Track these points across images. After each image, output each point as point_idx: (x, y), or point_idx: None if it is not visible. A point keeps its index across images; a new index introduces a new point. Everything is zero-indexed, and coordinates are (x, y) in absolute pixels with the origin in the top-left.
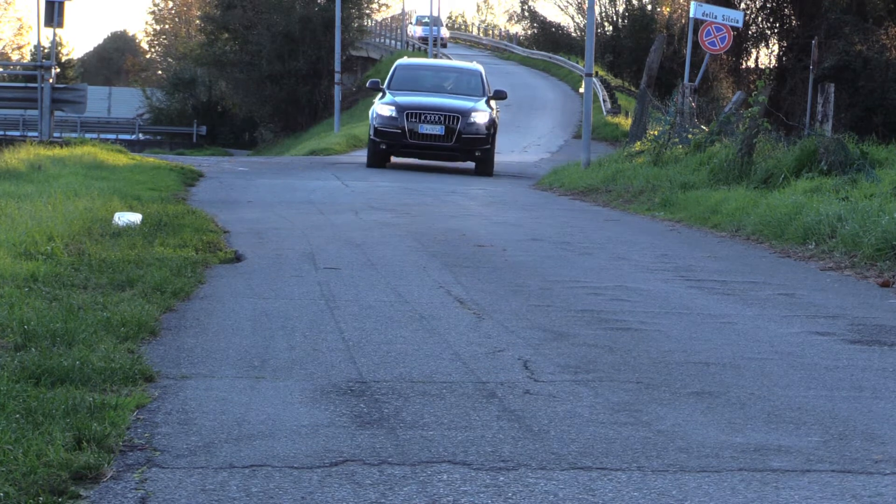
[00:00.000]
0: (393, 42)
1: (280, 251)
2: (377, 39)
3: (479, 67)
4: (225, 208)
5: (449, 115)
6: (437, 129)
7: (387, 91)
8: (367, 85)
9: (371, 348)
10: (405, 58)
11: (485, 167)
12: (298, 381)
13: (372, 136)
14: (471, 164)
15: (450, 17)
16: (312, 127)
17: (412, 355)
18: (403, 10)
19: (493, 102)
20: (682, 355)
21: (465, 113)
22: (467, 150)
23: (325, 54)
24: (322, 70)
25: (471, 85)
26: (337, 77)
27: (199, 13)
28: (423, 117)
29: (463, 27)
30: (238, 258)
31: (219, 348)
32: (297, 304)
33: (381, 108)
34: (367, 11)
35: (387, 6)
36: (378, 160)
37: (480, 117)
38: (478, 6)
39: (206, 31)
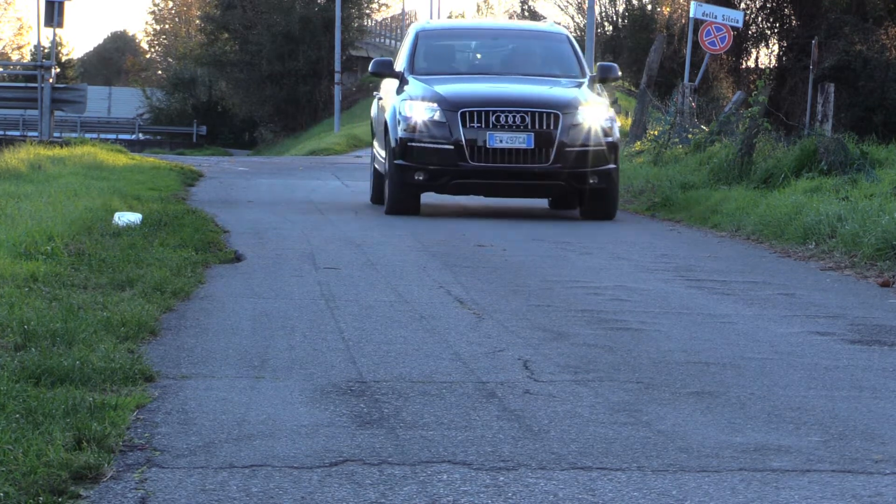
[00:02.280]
0: (393, 42)
1: (280, 251)
2: (377, 39)
3: (563, 30)
4: (225, 208)
5: (538, 114)
6: (521, 140)
7: (410, 77)
8: (371, 69)
9: (371, 348)
10: (428, 20)
11: (604, 205)
12: (298, 381)
13: (394, 159)
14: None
15: (450, 17)
16: (312, 127)
17: (412, 355)
18: (403, 10)
19: (599, 87)
20: (682, 355)
21: (566, 107)
22: (575, 174)
23: (325, 54)
24: (322, 70)
25: (556, 59)
26: (337, 77)
27: (199, 13)
28: (493, 120)
29: None
30: (238, 258)
31: (219, 348)
32: (297, 304)
33: (411, 107)
34: (367, 11)
35: (387, 6)
36: (407, 201)
37: (592, 115)
38: (478, 6)
39: (206, 31)
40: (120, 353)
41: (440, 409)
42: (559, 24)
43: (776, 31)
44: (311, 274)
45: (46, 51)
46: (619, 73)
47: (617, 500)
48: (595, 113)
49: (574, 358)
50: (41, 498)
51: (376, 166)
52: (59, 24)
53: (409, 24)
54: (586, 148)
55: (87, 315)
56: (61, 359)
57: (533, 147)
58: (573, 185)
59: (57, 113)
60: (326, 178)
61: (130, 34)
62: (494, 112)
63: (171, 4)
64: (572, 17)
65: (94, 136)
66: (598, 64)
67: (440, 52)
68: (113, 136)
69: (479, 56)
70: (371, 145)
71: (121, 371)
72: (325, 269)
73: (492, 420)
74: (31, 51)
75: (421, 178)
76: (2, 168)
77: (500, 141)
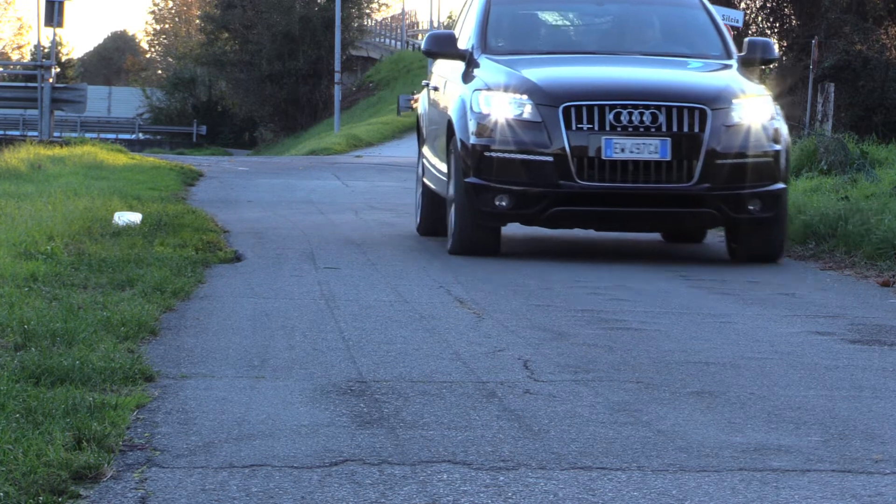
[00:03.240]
0: (393, 42)
1: (280, 251)
2: (377, 39)
3: None
4: (225, 208)
5: (678, 111)
6: (651, 149)
7: (482, 58)
8: (425, 46)
9: (371, 348)
10: None
11: (767, 242)
12: (298, 380)
13: (465, 176)
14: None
15: (450, 17)
16: (312, 127)
17: (412, 355)
18: (403, 10)
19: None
20: (682, 355)
21: (717, 100)
22: (729, 198)
23: (325, 54)
24: (322, 70)
25: (685, 31)
26: (337, 77)
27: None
28: (611, 119)
29: None
30: (238, 258)
31: (219, 348)
32: (297, 304)
33: (488, 100)
34: (367, 11)
35: (387, 6)
36: (482, 236)
37: (753, 111)
38: None
39: (206, 31)
40: (120, 353)
41: (440, 409)
42: None
43: (776, 30)
44: (311, 274)
45: (46, 51)
46: (777, 54)
47: (617, 500)
48: (757, 109)
49: (574, 358)
50: (41, 498)
51: (428, 182)
52: (59, 24)
53: (409, 24)
54: (745, 159)
55: (87, 315)
56: (61, 359)
57: (669, 158)
58: (727, 213)
59: (57, 113)
60: (327, 178)
61: (130, 34)
62: (613, 108)
63: (171, 4)
64: None
65: (94, 135)
66: (748, 40)
67: (523, 24)
68: (113, 136)
69: (576, 28)
70: (420, 154)
71: (121, 371)
72: (325, 268)
73: (492, 420)
74: (31, 51)
75: (504, 203)
76: (2, 168)
77: (622, 150)
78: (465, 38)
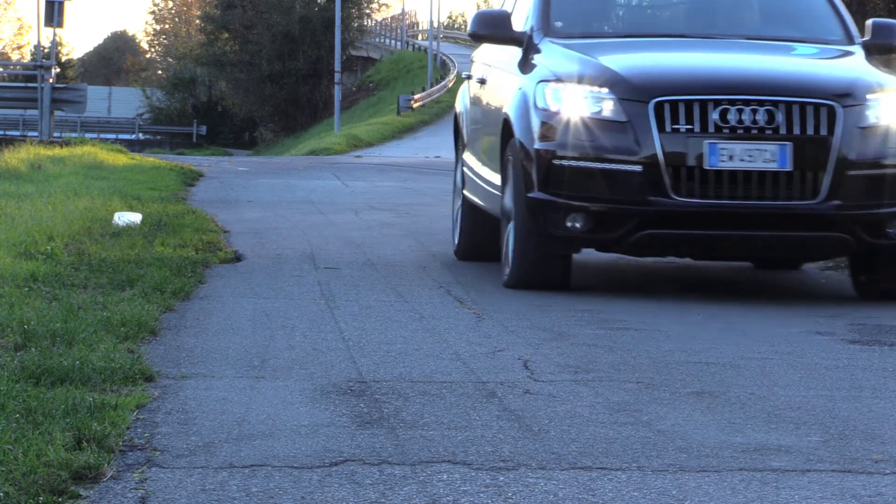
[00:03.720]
0: (393, 42)
1: (280, 251)
2: (377, 39)
3: None
4: (225, 208)
5: (799, 108)
6: (767, 156)
7: (545, 42)
8: (472, 27)
9: (371, 348)
10: None
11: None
12: (298, 380)
13: (528, 190)
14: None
15: (450, 17)
16: (312, 127)
17: (412, 355)
18: (403, 10)
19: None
20: (682, 355)
21: (848, 95)
22: (865, 220)
23: (325, 54)
24: (322, 70)
25: (794, 10)
26: (337, 77)
27: (199, 13)
28: (715, 118)
29: (463, 27)
30: (238, 258)
31: (219, 348)
32: (297, 304)
33: (557, 93)
34: (367, 11)
35: (387, 6)
36: (549, 266)
37: (891, 109)
38: (478, 6)
39: (206, 31)
40: (120, 353)
41: (440, 409)
42: None
43: None
44: (311, 274)
45: (46, 51)
46: None
47: (617, 500)
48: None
49: (574, 358)
50: (41, 498)
51: (471, 195)
52: (59, 24)
53: (409, 24)
54: (883, 170)
55: (87, 315)
56: (61, 359)
57: (790, 169)
58: (862, 238)
59: (57, 113)
60: (327, 178)
61: (130, 34)
62: (718, 104)
63: (171, 4)
64: None
65: (94, 135)
66: (871, 22)
67: (593, 1)
68: (113, 136)
69: (658, 6)
70: (458, 160)
71: (121, 371)
72: (325, 269)
73: (492, 420)
74: (31, 51)
75: (578, 224)
76: (2, 168)
77: (730, 157)
78: (522, 20)
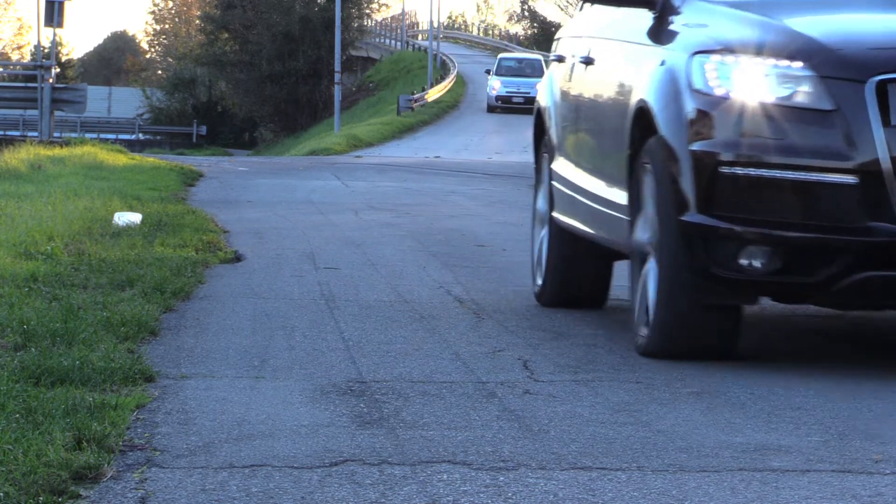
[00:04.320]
0: (393, 42)
1: (280, 251)
2: (377, 39)
3: None
4: (225, 208)
5: None
6: None
7: (683, 5)
8: None
9: (371, 348)
10: None
11: None
12: (298, 381)
13: (681, 212)
14: None
15: (450, 17)
16: (312, 127)
17: (412, 355)
18: (403, 10)
19: None
20: None
21: None
22: None
23: (325, 54)
24: (322, 70)
25: None
26: (337, 77)
27: (199, 13)
28: None
29: (463, 27)
30: (238, 258)
31: (219, 348)
32: (297, 304)
33: (724, 69)
34: (367, 11)
35: (387, 6)
36: (709, 324)
37: None
38: (478, 6)
39: (206, 31)
40: (120, 353)
41: (440, 409)
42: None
43: None
44: (311, 274)
45: (46, 51)
46: None
47: (617, 500)
48: None
49: (574, 358)
50: (41, 498)
51: (565, 218)
52: (59, 24)
53: (409, 25)
54: None
55: (87, 315)
56: (61, 359)
57: None
58: None
59: (57, 113)
60: (327, 178)
61: (130, 34)
62: None
63: (171, 4)
64: (572, 17)
65: (94, 136)
66: None
67: None
68: (113, 136)
69: None
70: (542, 171)
71: (121, 371)
72: (325, 269)
73: (492, 420)
74: (31, 51)
75: (759, 263)
76: (2, 168)
77: None
78: None
